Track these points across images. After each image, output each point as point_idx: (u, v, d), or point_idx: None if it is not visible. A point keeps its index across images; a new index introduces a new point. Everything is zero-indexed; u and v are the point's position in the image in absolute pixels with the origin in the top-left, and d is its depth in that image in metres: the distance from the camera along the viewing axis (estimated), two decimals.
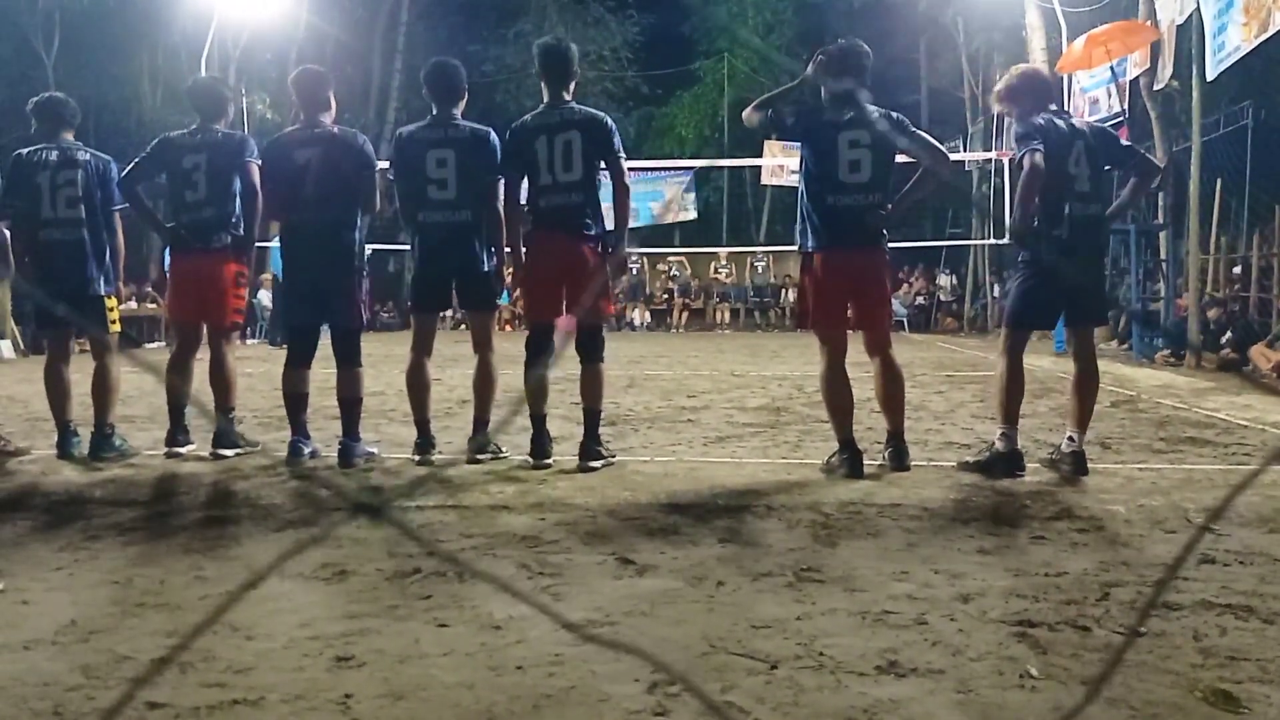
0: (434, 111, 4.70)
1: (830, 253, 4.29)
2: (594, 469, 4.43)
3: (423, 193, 4.61)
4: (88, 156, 4.88)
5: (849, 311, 4.40)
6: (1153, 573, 2.83)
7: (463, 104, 4.75)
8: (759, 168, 22.00)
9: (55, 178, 4.79)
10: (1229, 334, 9.77)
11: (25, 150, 4.96)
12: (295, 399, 4.64)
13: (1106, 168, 4.41)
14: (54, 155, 4.86)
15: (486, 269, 4.71)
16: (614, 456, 4.61)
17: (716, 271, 21.13)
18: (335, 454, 4.61)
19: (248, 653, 2.26)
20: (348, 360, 4.63)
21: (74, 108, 5.09)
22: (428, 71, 4.77)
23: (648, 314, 20.88)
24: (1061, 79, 12.39)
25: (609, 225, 4.58)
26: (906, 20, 21.56)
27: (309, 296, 4.62)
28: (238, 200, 4.82)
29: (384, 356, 11.56)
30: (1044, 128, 4.22)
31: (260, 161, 4.75)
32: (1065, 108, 10.68)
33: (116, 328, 5.00)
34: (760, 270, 21.09)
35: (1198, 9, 9.84)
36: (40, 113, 4.98)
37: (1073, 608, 2.51)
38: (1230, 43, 9.33)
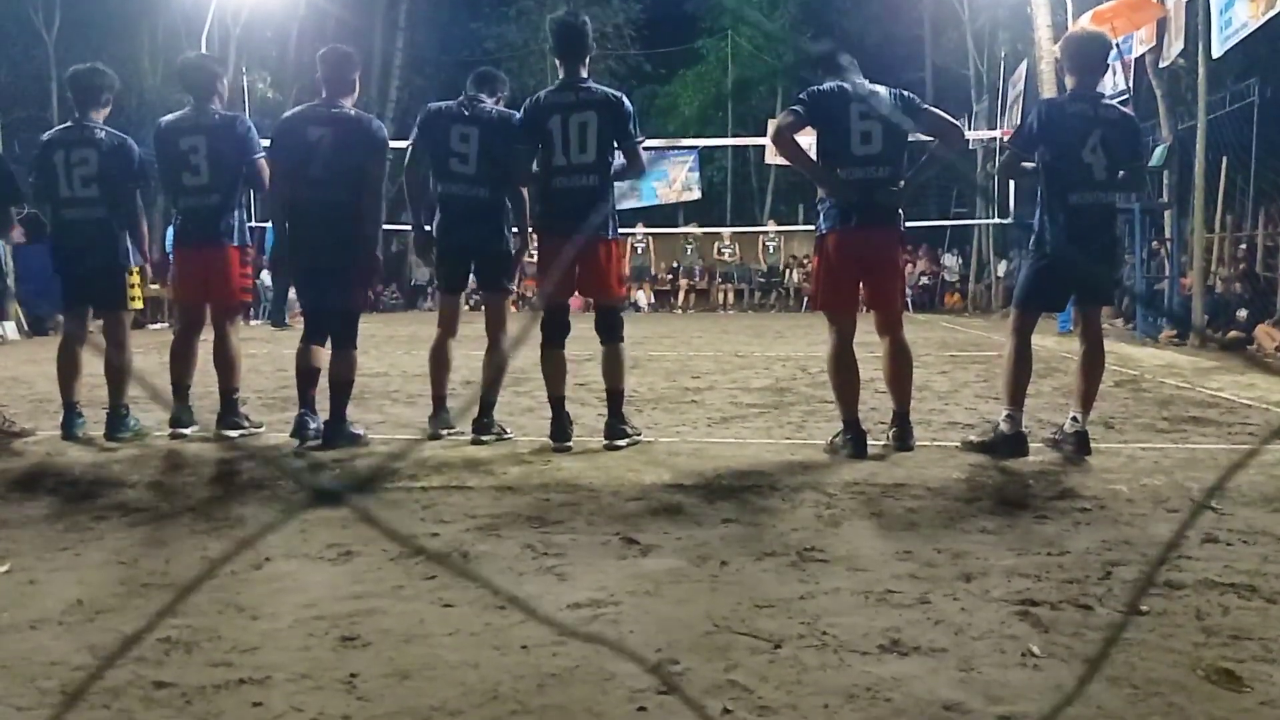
0: (464, 95, 4.79)
1: (844, 232, 4.28)
2: (620, 448, 4.45)
3: (444, 166, 4.67)
4: (103, 135, 4.85)
5: (860, 291, 4.39)
6: (1155, 552, 2.83)
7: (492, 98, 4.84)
8: (763, 147, 21.90)
9: (70, 157, 4.78)
10: (1245, 311, 9.71)
11: (50, 131, 4.99)
12: (306, 374, 4.62)
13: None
14: (71, 134, 4.85)
15: (504, 248, 4.76)
16: (639, 434, 4.63)
17: (720, 252, 21.07)
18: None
19: (253, 632, 2.27)
20: (343, 342, 4.63)
21: (99, 84, 4.93)
22: (474, 73, 4.90)
23: (652, 294, 20.85)
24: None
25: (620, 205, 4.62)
26: None
27: (316, 276, 4.62)
28: (239, 189, 4.85)
29: (387, 338, 11.58)
30: (1053, 117, 4.22)
31: (264, 155, 4.79)
32: None
33: (138, 305, 5.02)
34: (771, 250, 21.02)
35: None
36: (70, 86, 4.96)
37: (1075, 587, 2.52)
38: (1237, 19, 9.27)
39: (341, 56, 4.75)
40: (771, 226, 21.81)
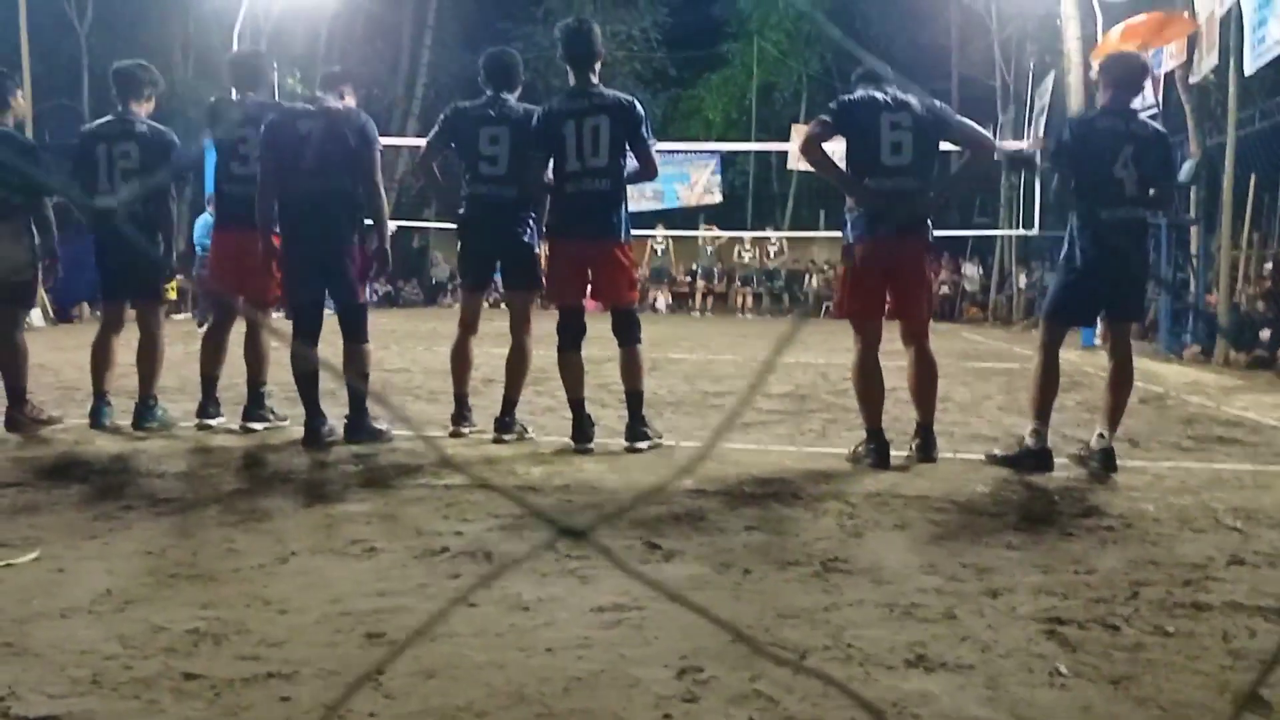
0: (488, 94, 4.79)
1: (871, 242, 4.27)
2: (641, 450, 4.47)
3: (474, 169, 4.71)
4: (145, 128, 4.91)
5: (887, 300, 4.38)
6: (1182, 572, 2.81)
7: (515, 92, 4.87)
8: (785, 152, 21.85)
9: (112, 150, 4.84)
10: (1269, 331, 9.61)
11: (91, 124, 5.07)
12: (306, 378, 4.58)
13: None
14: (113, 128, 4.91)
15: (531, 247, 4.80)
16: (660, 437, 4.64)
17: (739, 256, 21.06)
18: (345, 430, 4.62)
19: (280, 627, 2.29)
20: (353, 336, 4.64)
21: (142, 78, 5.02)
22: (484, 59, 4.87)
23: (669, 296, 20.85)
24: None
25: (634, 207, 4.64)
26: (938, 6, 21.35)
27: (309, 270, 4.62)
28: None
29: (407, 334, 11.62)
30: (1085, 134, 4.21)
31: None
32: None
33: (172, 295, 5.11)
34: (773, 255, 20.98)
35: (1238, 1, 9.69)
36: (114, 80, 5.02)
37: (1102, 606, 2.51)
38: (1270, 36, 9.18)
39: (334, 73, 4.95)
40: (771, 232, 21.68)
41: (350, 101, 4.75)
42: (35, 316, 11.89)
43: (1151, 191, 4.32)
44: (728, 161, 22.80)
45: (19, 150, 4.91)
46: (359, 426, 4.58)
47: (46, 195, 4.93)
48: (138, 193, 4.84)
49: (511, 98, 4.79)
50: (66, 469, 3.99)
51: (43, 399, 5.20)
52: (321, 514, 3.34)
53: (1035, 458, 4.18)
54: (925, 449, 4.36)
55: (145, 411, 4.83)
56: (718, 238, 20.76)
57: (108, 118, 4.99)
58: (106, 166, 4.83)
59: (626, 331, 4.59)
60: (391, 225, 4.96)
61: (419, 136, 16.69)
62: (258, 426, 4.80)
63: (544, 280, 4.85)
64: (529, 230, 4.77)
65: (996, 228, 19.93)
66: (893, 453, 4.29)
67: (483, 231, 4.80)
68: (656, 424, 4.84)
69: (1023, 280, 18.78)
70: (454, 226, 4.96)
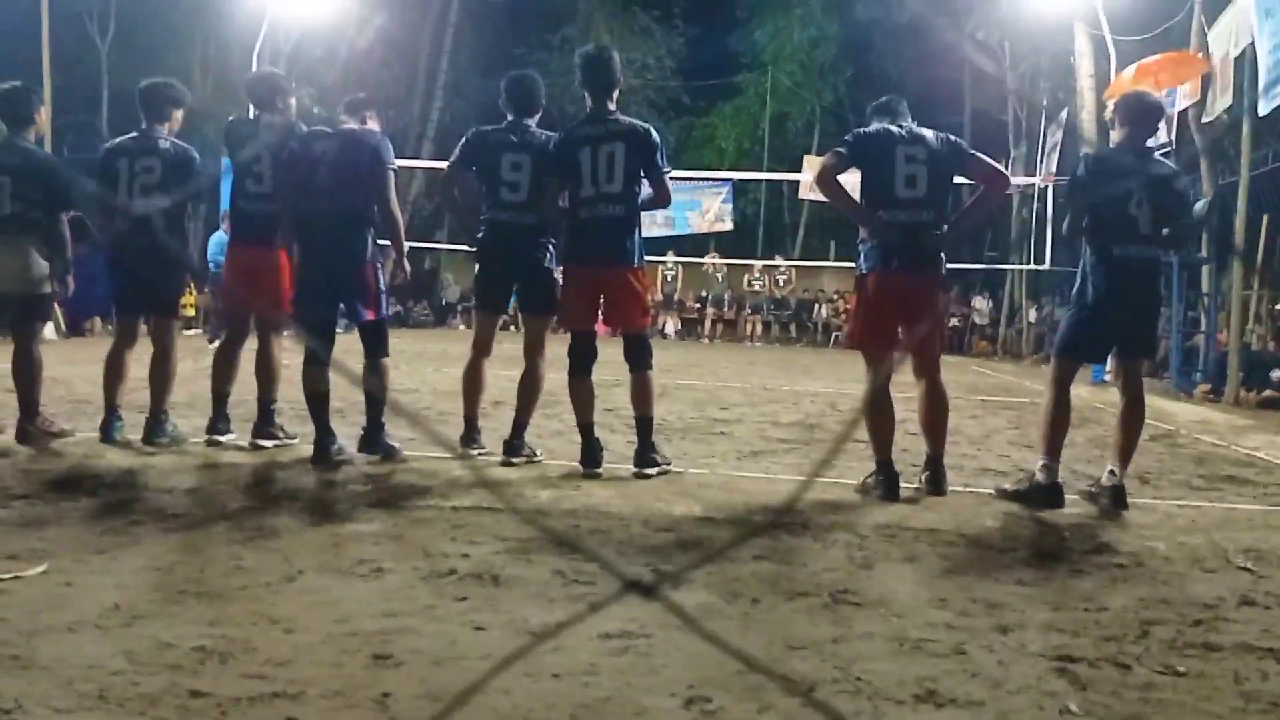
0: (509, 119, 4.80)
1: (885, 274, 4.28)
2: (649, 476, 4.46)
3: (496, 194, 4.72)
4: (168, 145, 4.96)
5: (900, 333, 4.38)
6: (1193, 612, 2.79)
7: (536, 117, 4.88)
8: (797, 182, 21.93)
9: (134, 165, 4.89)
10: (1279, 371, 9.58)
11: (114, 140, 5.13)
12: (316, 398, 4.58)
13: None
14: (137, 143, 4.96)
15: (549, 271, 4.80)
16: (669, 463, 4.64)
17: (750, 284, 21.10)
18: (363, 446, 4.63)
19: (287, 646, 2.28)
20: (372, 351, 4.66)
21: (166, 96, 5.07)
22: (506, 83, 4.89)
23: (678, 322, 20.87)
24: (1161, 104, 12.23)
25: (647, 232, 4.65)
26: (951, 41, 21.44)
27: (321, 289, 4.63)
28: None
29: (417, 354, 11.64)
30: (1099, 172, 4.22)
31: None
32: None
33: (190, 312, 5.15)
34: (782, 284, 21.02)
35: (1253, 42, 9.72)
36: (139, 98, 5.07)
37: (1112, 644, 2.49)
38: None
39: (356, 98, 4.97)
40: (781, 261, 21.71)
41: (373, 125, 4.78)
42: (47, 330, 11.96)
43: (1165, 230, 4.32)
44: (739, 190, 22.87)
45: (41, 165, 4.94)
46: (373, 440, 4.59)
47: (65, 210, 4.96)
48: (161, 206, 4.88)
49: (533, 123, 4.82)
50: (76, 482, 3.99)
51: (54, 412, 5.22)
52: (329, 533, 3.34)
53: (1045, 493, 4.16)
54: (935, 482, 4.34)
55: (156, 426, 4.85)
56: (714, 263, 20.83)
57: (132, 134, 5.03)
58: (127, 181, 4.87)
59: (638, 357, 4.59)
60: (406, 245, 4.96)
61: (434, 159, 16.82)
62: (267, 444, 4.81)
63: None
64: (548, 255, 4.79)
65: (1007, 262, 19.94)
66: (902, 485, 4.27)
67: (502, 256, 4.81)
68: (665, 450, 4.84)
69: (1033, 314, 18.77)
70: (466, 248, 4.97)
